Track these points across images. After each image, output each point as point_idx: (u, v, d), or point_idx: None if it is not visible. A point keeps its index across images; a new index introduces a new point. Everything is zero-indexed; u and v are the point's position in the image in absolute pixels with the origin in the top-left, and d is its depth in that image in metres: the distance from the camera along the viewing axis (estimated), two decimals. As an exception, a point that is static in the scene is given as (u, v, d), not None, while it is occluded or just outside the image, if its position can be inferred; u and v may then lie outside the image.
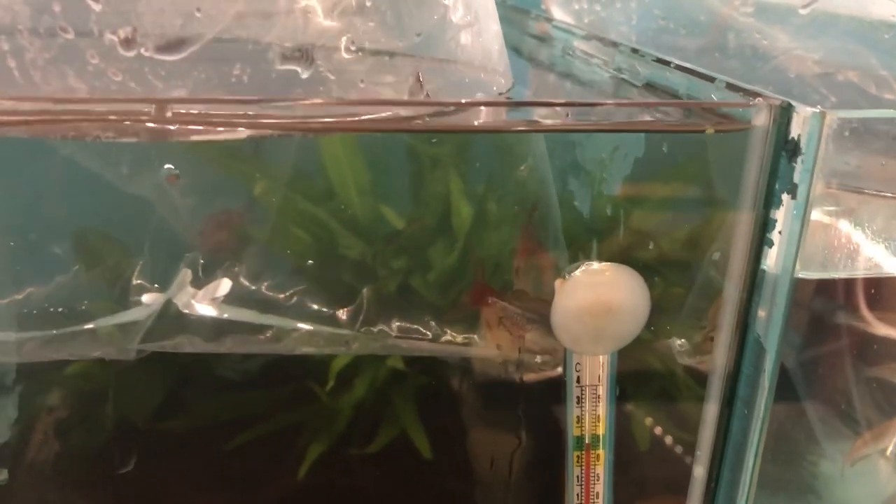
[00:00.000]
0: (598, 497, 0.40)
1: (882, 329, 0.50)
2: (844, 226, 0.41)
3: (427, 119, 0.31)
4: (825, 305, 0.55)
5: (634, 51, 0.46)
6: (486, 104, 0.33)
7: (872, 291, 0.48)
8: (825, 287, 0.53)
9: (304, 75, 0.28)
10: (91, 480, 0.67)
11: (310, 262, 0.51)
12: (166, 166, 0.38)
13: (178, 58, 0.27)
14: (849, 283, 0.51)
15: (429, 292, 0.54)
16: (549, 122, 0.34)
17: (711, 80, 0.38)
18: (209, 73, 0.27)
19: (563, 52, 0.57)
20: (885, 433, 0.53)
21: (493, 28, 0.44)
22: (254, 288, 0.45)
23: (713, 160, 0.40)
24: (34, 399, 0.69)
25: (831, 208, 0.41)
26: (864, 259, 0.39)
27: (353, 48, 0.29)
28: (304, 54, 0.28)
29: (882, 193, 0.40)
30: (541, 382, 0.56)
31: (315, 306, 0.47)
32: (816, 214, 0.36)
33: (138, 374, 0.68)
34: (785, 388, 0.56)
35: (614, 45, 0.49)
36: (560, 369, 0.48)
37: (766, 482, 0.64)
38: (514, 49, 0.66)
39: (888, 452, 0.56)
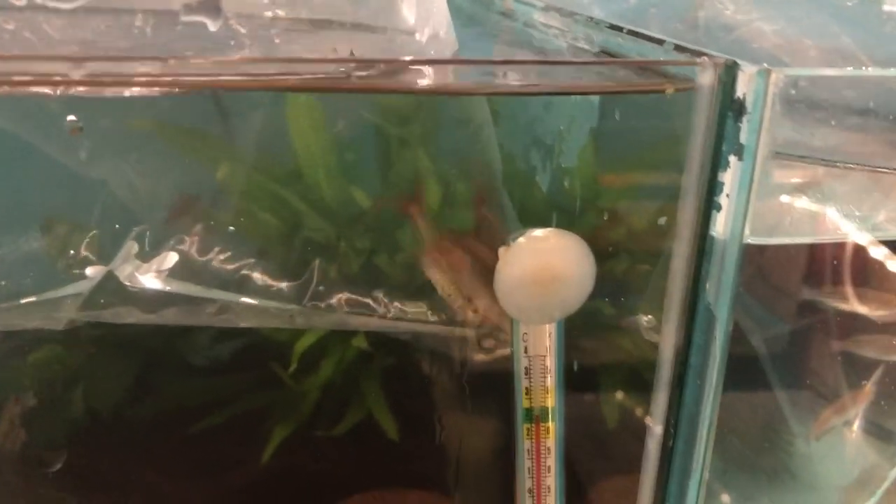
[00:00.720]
0: (549, 471, 0.39)
1: (846, 303, 0.50)
2: (795, 195, 0.40)
3: (357, 77, 0.30)
4: (788, 279, 0.54)
5: (590, 19, 0.46)
6: (413, 63, 0.32)
7: (835, 263, 0.47)
8: (786, 259, 0.52)
9: (213, 28, 0.27)
10: (58, 467, 0.66)
11: (268, 239, 0.50)
12: (69, 118, 0.38)
13: (75, 6, 0.26)
14: (812, 254, 0.50)
15: (392, 270, 0.53)
16: (500, 82, 0.33)
17: (661, 42, 0.37)
18: (109, 22, 0.26)
19: (525, 25, 0.56)
20: (847, 406, 0.52)
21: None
22: (202, 262, 0.45)
23: (662, 126, 0.39)
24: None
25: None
26: (815, 225, 0.38)
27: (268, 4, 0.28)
28: (210, 4, 0.27)
29: (831, 163, 0.39)
30: (500, 360, 0.55)
31: (262, 281, 0.47)
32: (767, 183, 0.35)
33: (104, 360, 0.68)
34: (755, 370, 0.56)
35: (571, 14, 0.48)
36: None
37: (740, 464, 0.63)
38: (480, 25, 0.65)
39: (853, 427, 0.56)
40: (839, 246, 0.50)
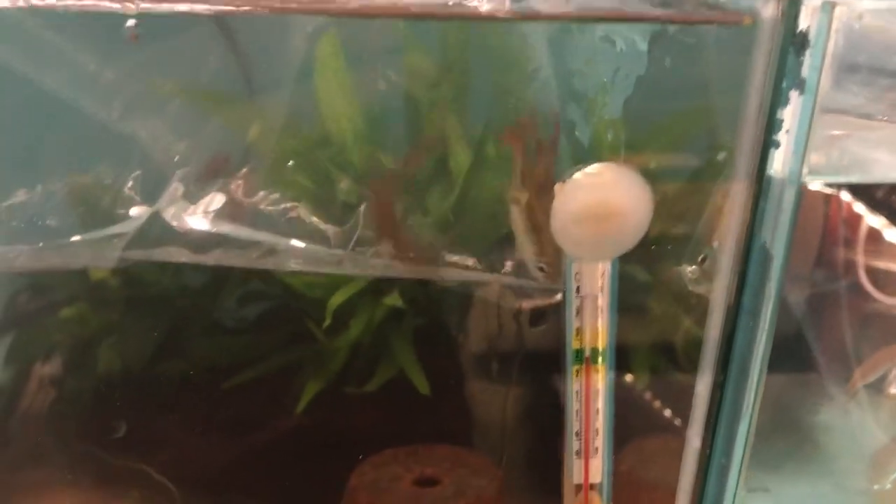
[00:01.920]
0: (597, 414, 0.39)
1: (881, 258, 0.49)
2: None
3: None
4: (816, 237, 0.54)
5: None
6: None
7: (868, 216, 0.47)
8: (816, 215, 0.52)
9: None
10: (87, 425, 0.66)
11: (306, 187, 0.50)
12: (129, 23, 0.37)
13: None
14: (844, 207, 0.50)
15: (427, 232, 0.53)
16: (550, 9, 0.32)
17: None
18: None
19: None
20: (882, 360, 0.52)
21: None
22: (247, 204, 0.45)
23: (718, 67, 0.39)
24: (29, 344, 0.68)
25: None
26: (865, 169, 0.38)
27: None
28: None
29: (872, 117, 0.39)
30: (540, 311, 0.55)
31: (308, 226, 0.47)
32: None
33: (134, 318, 0.68)
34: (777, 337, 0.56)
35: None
36: (560, 296, 0.48)
37: (762, 432, 0.63)
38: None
39: (885, 390, 0.56)
40: (872, 198, 0.50)
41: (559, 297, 0.40)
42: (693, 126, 0.45)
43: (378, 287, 0.60)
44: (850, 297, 0.57)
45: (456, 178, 0.54)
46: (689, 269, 0.43)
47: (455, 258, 0.47)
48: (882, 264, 0.54)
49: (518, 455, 0.63)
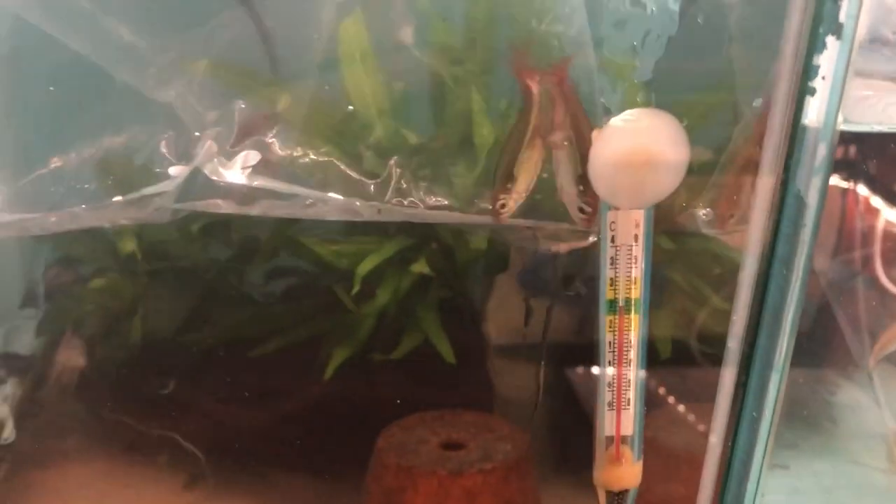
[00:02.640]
0: (630, 364, 0.39)
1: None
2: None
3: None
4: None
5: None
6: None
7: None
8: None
9: None
10: (118, 394, 0.67)
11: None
12: None
13: None
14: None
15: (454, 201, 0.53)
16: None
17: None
18: None
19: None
20: (894, 335, 0.53)
21: None
22: (285, 158, 0.45)
23: (751, 21, 0.39)
24: (60, 313, 0.69)
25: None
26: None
27: None
28: None
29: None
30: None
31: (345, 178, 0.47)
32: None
33: (163, 288, 0.69)
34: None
35: None
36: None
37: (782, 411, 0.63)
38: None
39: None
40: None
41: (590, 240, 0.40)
42: (728, 81, 0.45)
43: (405, 256, 0.60)
44: (866, 277, 0.57)
45: (479, 153, 0.55)
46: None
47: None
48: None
49: (543, 423, 0.64)
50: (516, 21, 0.53)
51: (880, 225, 0.57)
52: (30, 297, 0.67)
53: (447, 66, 0.56)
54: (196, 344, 0.65)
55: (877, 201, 0.57)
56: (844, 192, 0.58)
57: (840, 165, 0.56)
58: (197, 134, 0.46)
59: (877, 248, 0.57)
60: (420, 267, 0.58)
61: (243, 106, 0.46)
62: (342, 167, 0.47)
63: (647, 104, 0.48)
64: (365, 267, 0.57)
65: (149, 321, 0.65)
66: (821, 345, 0.65)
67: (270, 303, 0.66)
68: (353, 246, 0.60)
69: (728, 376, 0.40)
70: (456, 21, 0.56)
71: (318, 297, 0.63)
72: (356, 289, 0.57)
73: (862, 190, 0.57)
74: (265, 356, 0.62)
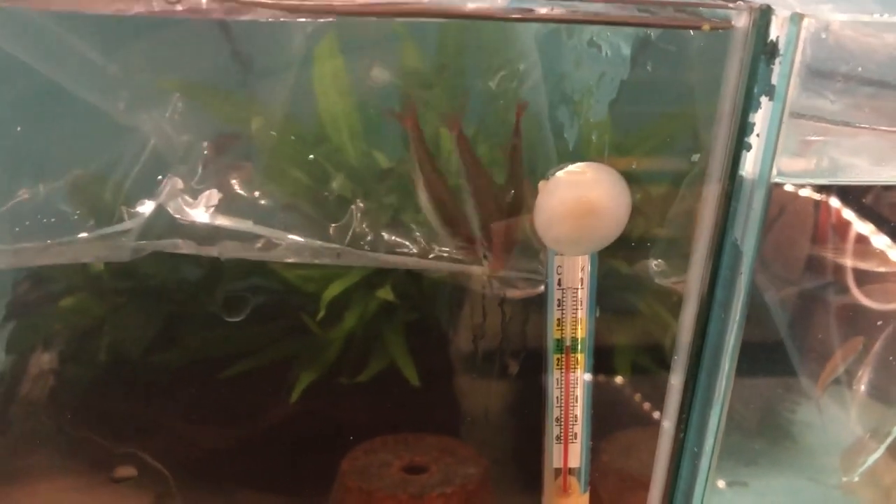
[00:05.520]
0: (577, 401, 0.41)
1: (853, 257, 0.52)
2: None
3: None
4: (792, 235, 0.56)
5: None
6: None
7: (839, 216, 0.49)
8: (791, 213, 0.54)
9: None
10: (86, 412, 0.68)
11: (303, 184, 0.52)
12: None
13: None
14: (816, 207, 0.52)
15: (419, 228, 0.54)
16: (543, 10, 0.34)
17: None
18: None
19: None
20: (849, 352, 0.54)
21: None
22: (247, 199, 0.46)
23: (695, 73, 0.41)
24: (28, 333, 0.70)
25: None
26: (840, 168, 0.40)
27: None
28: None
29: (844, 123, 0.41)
30: (524, 305, 0.57)
31: (306, 220, 0.48)
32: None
33: (132, 308, 0.69)
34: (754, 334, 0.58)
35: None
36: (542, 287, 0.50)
37: (742, 429, 0.65)
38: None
39: (855, 387, 0.58)
40: (845, 196, 0.53)
41: (541, 289, 0.42)
42: (671, 129, 0.47)
43: (371, 281, 0.61)
44: (821, 296, 0.59)
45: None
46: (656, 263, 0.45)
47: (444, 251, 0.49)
48: (850, 262, 0.56)
49: (504, 445, 0.65)
50: (483, 50, 0.54)
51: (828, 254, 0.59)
52: (-2, 314, 0.67)
53: (418, 89, 0.58)
54: (164, 364, 0.66)
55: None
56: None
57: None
58: (160, 178, 0.46)
59: (830, 260, 0.59)
60: (385, 294, 0.59)
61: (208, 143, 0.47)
62: (305, 209, 0.48)
63: (601, 142, 0.50)
64: (331, 292, 0.58)
65: (117, 340, 0.66)
66: (779, 364, 0.67)
67: (238, 324, 0.66)
68: (320, 270, 0.61)
69: (671, 409, 0.42)
70: (428, 46, 0.57)
71: (285, 320, 0.64)
72: (322, 314, 0.58)
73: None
74: (233, 377, 0.63)
